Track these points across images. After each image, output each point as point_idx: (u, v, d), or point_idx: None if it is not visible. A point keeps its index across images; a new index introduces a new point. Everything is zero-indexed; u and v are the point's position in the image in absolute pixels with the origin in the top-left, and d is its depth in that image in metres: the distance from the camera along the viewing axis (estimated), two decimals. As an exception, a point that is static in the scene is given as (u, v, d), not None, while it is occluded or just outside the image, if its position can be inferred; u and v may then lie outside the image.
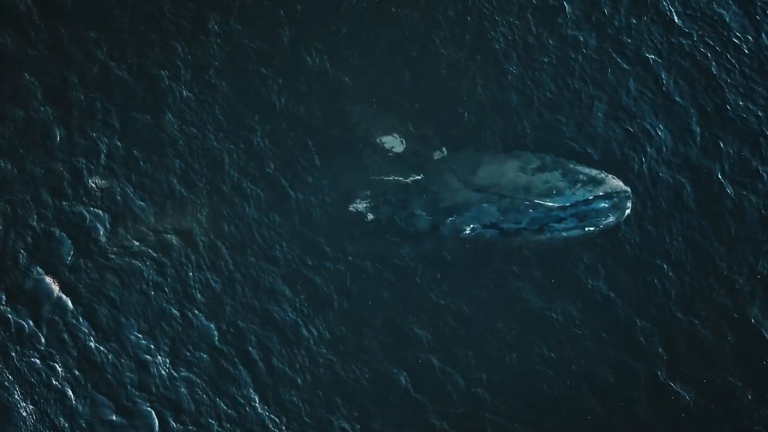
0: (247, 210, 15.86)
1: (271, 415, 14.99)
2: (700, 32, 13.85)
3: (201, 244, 15.54)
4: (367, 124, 15.94)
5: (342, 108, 15.98)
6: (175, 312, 15.13)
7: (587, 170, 14.96)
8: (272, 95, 15.86)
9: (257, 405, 14.94)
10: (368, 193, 15.94)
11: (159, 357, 14.76)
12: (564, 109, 14.93)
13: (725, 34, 13.79)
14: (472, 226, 15.34)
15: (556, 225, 14.99)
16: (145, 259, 15.20)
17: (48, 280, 14.93)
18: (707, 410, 14.53)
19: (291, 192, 16.16)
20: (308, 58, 15.86)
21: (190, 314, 15.15)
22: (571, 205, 14.87)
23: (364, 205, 16.02)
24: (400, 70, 15.61)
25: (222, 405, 14.80)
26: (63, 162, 15.28)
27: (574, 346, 15.11)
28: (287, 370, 15.14)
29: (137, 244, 15.29)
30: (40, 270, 14.89)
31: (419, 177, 15.72)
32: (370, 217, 15.96)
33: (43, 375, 14.58)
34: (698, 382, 14.74)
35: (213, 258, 15.43)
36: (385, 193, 15.83)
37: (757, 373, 14.63)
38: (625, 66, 14.39)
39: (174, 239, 15.45)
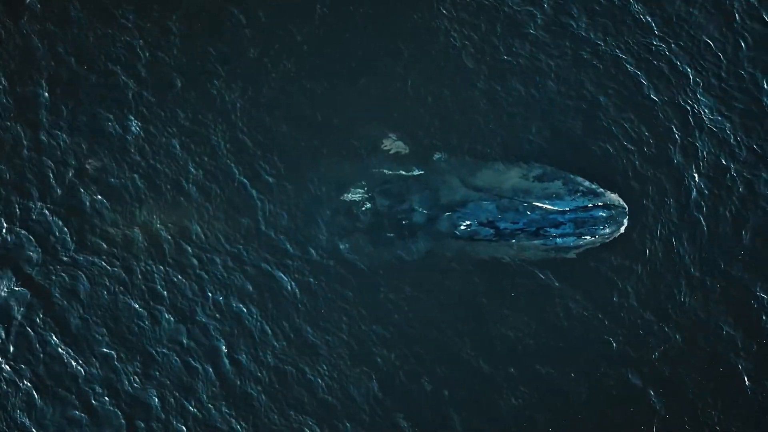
0: (236, 204, 15.76)
1: (239, 417, 14.45)
2: (703, 43, 14.55)
3: (190, 240, 15.34)
4: (367, 126, 16.19)
5: (342, 108, 16.25)
6: (146, 313, 14.84)
7: (587, 183, 15.12)
8: (265, 93, 16.09)
9: (225, 407, 14.51)
10: (364, 184, 15.91)
11: (127, 359, 14.43)
12: (566, 123, 15.30)
13: (729, 43, 14.48)
14: (468, 222, 15.21)
15: (552, 229, 14.90)
16: (118, 260, 14.98)
17: (16, 284, 14.73)
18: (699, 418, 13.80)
19: (283, 186, 16.09)
20: (304, 54, 16.22)
21: (162, 315, 14.89)
22: (570, 210, 14.88)
23: (359, 196, 15.92)
24: (401, 75, 16.01)
25: (189, 407, 14.38)
26: (30, 164, 15.29)
27: (560, 352, 14.61)
28: (266, 371, 14.77)
29: (109, 245, 15.10)
30: (9, 274, 14.71)
31: (418, 173, 15.78)
32: (365, 208, 15.82)
33: (10, 378, 14.25)
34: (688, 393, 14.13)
35: (202, 256, 15.24)
36: (381, 185, 15.81)
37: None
38: (624, 80, 14.91)
39: (164, 237, 15.28)
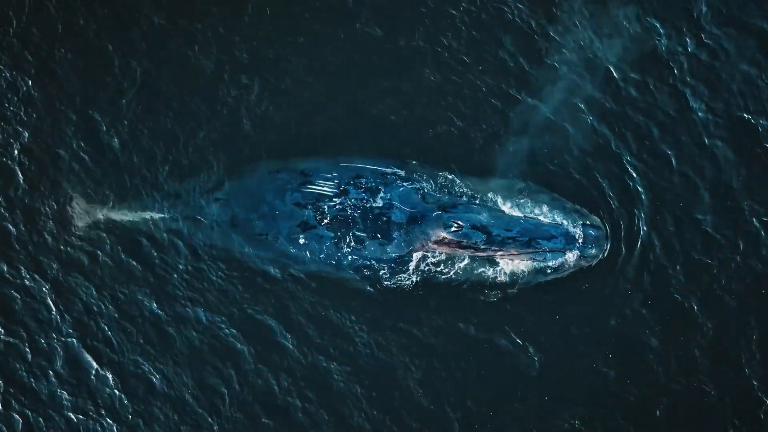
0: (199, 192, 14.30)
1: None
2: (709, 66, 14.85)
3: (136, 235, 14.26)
4: (339, 127, 14.59)
5: (311, 107, 14.66)
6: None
7: (570, 203, 14.44)
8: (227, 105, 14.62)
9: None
10: (334, 176, 13.94)
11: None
12: (548, 148, 14.70)
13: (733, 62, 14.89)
14: (459, 223, 13.65)
15: (545, 242, 13.81)
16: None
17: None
18: None
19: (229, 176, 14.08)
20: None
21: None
22: (563, 225, 13.97)
23: (327, 188, 13.82)
24: (376, 90, 14.87)
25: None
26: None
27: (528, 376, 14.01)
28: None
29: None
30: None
31: (397, 171, 14.16)
32: (333, 201, 13.71)
33: None
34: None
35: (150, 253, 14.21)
36: (355, 178, 13.92)
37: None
38: (601, 99, 14.78)
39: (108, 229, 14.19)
